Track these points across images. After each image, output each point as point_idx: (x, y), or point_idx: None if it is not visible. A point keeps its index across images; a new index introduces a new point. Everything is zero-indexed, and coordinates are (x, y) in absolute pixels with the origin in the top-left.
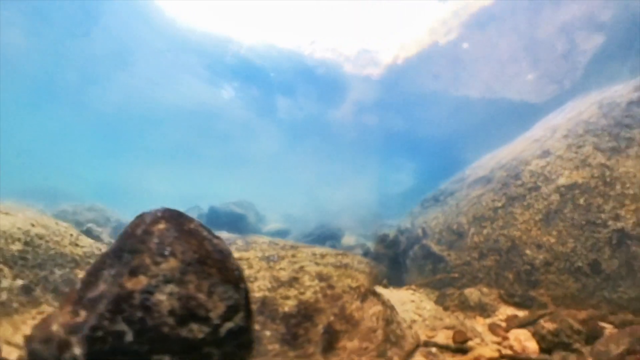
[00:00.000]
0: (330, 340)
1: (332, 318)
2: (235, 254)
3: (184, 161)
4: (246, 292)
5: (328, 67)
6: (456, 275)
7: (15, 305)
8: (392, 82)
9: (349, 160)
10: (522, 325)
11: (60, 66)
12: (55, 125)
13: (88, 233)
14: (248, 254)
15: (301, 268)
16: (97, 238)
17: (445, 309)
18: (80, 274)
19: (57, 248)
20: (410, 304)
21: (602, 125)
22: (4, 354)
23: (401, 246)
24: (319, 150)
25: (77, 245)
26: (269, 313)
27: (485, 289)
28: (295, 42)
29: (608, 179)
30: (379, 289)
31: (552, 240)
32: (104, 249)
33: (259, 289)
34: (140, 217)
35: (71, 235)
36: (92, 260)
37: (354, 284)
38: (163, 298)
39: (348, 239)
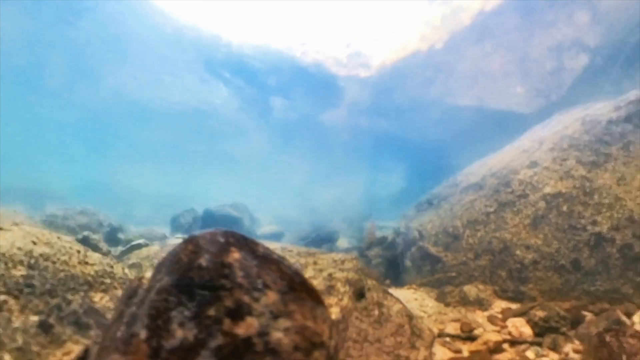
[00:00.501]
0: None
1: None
2: None
3: (172, 160)
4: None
5: (318, 69)
6: (454, 274)
7: (35, 348)
8: (383, 85)
9: (339, 162)
10: (516, 315)
11: (46, 56)
12: (37, 120)
13: (85, 242)
14: None
15: (330, 275)
16: (95, 247)
17: (447, 305)
18: (96, 298)
19: (66, 269)
20: (414, 302)
21: (585, 141)
22: None
23: (398, 248)
24: (308, 152)
25: (86, 263)
26: None
27: (481, 286)
28: (286, 43)
29: (588, 190)
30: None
31: (539, 242)
32: (116, 266)
33: None
34: (194, 244)
35: (78, 252)
36: (106, 281)
37: (376, 286)
38: (281, 335)
39: (341, 242)
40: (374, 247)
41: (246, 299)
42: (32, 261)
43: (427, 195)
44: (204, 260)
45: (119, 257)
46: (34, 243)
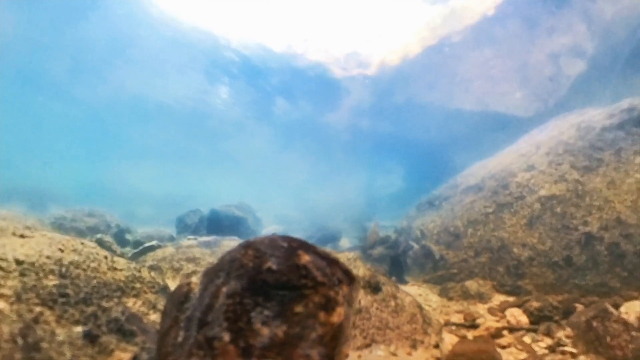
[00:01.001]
0: None
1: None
2: None
3: (173, 160)
4: None
5: (320, 70)
6: (455, 271)
7: None
8: (383, 86)
9: (340, 162)
10: (513, 306)
11: (49, 56)
12: (39, 119)
13: (99, 244)
14: None
15: None
16: (109, 250)
17: (450, 299)
18: (129, 303)
19: (97, 276)
20: (419, 297)
21: (579, 147)
22: None
23: (401, 247)
24: (310, 152)
25: (115, 269)
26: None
27: (481, 281)
28: (288, 44)
29: (580, 193)
30: None
31: (535, 240)
32: (143, 270)
33: None
34: (254, 249)
35: (105, 258)
36: (136, 286)
37: (388, 281)
38: (355, 318)
39: (343, 241)
40: (378, 246)
41: (332, 293)
42: (63, 270)
43: (428, 196)
44: (272, 264)
45: (132, 259)
46: (61, 250)
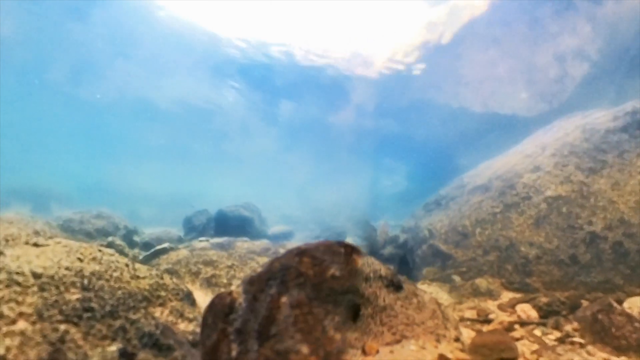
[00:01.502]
0: None
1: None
2: None
3: (177, 160)
4: None
5: (323, 70)
6: (464, 269)
7: None
8: (386, 86)
9: (343, 162)
10: (521, 303)
11: (51, 56)
12: (41, 119)
13: (110, 247)
14: None
15: None
16: (121, 253)
17: (460, 296)
18: (157, 313)
19: (121, 286)
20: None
21: (584, 149)
22: None
23: (409, 246)
24: (313, 152)
25: (138, 277)
26: None
27: (490, 279)
28: (292, 44)
29: (585, 193)
30: None
31: (542, 239)
32: (165, 277)
33: None
34: (310, 256)
35: (127, 265)
36: (161, 294)
37: (406, 279)
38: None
39: (348, 240)
40: (387, 245)
41: (391, 297)
42: (85, 282)
43: (435, 196)
44: (335, 270)
45: (144, 263)
46: (80, 260)
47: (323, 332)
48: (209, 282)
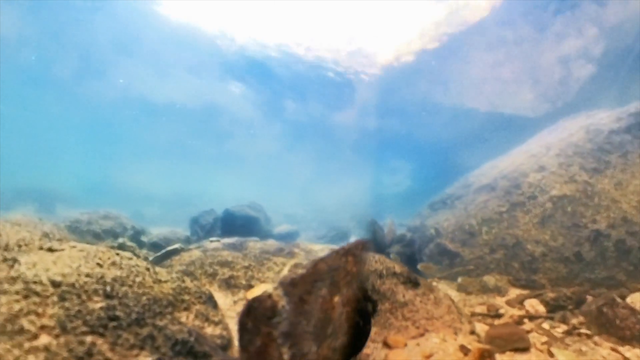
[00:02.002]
0: None
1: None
2: None
3: (180, 160)
4: None
5: (327, 69)
6: (472, 267)
7: None
8: (391, 85)
9: (347, 161)
10: (528, 299)
11: (54, 55)
12: (44, 119)
13: (121, 249)
14: None
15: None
16: (133, 254)
17: (469, 293)
18: (183, 318)
19: (145, 292)
20: None
21: (588, 149)
22: None
23: (416, 245)
24: (317, 151)
25: (160, 281)
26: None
27: (497, 276)
28: (295, 44)
29: (589, 193)
30: None
31: (547, 237)
32: (186, 280)
33: None
34: (352, 255)
35: (148, 269)
36: (185, 297)
37: (420, 277)
38: None
39: (352, 240)
40: (395, 244)
41: (410, 293)
42: (108, 289)
43: (441, 195)
44: (378, 265)
45: (156, 264)
46: (100, 265)
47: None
48: (227, 284)
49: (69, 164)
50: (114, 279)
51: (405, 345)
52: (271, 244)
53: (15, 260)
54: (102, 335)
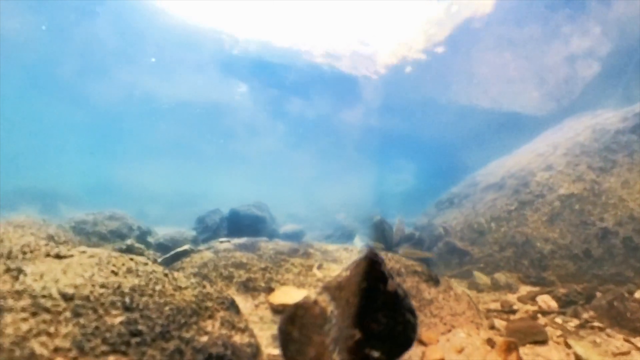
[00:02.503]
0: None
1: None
2: None
3: (183, 159)
4: None
5: (331, 68)
6: (482, 265)
7: None
8: (395, 85)
9: (350, 161)
10: (538, 295)
11: (57, 55)
12: (47, 119)
13: (130, 252)
14: None
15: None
16: (141, 256)
17: (480, 291)
18: (208, 327)
19: (167, 301)
20: None
21: (594, 149)
22: None
23: (425, 244)
24: (319, 150)
25: (180, 287)
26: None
27: (507, 274)
28: (299, 43)
29: (597, 192)
30: None
31: (556, 235)
32: (206, 285)
33: None
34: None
35: (166, 275)
36: (207, 304)
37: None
38: None
39: (357, 240)
40: (403, 243)
41: (433, 291)
42: (127, 300)
43: (447, 194)
44: (392, 263)
45: (165, 265)
46: (115, 273)
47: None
48: (245, 287)
49: (71, 163)
50: (133, 289)
51: (438, 341)
52: (283, 244)
53: (20, 271)
54: (124, 353)
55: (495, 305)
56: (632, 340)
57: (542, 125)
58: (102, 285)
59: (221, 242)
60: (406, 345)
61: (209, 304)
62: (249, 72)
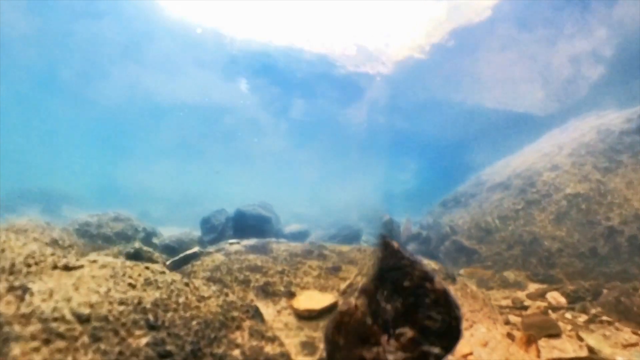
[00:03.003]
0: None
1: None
2: None
3: (187, 159)
4: None
5: (334, 67)
6: (490, 263)
7: None
8: (399, 83)
9: (354, 160)
10: (547, 292)
11: (60, 56)
12: (50, 120)
13: (137, 256)
14: None
15: None
16: (150, 260)
17: (490, 288)
18: (238, 339)
19: (193, 315)
20: None
21: (600, 149)
22: None
23: (432, 242)
24: (323, 149)
25: (203, 297)
26: None
27: (516, 272)
28: (297, 41)
29: (602, 191)
30: None
31: (563, 234)
32: (229, 293)
33: None
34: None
35: (187, 285)
36: (234, 314)
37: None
38: None
39: (364, 240)
40: (410, 242)
41: (451, 288)
42: (151, 317)
43: (453, 193)
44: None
45: (174, 269)
46: (132, 286)
47: (377, 305)
48: (264, 291)
49: (74, 164)
50: (155, 304)
51: (462, 336)
52: (295, 245)
53: (25, 289)
54: None
55: (507, 302)
56: None
57: (546, 124)
58: (121, 302)
59: (231, 243)
60: (458, 337)
61: (235, 313)
62: (253, 71)
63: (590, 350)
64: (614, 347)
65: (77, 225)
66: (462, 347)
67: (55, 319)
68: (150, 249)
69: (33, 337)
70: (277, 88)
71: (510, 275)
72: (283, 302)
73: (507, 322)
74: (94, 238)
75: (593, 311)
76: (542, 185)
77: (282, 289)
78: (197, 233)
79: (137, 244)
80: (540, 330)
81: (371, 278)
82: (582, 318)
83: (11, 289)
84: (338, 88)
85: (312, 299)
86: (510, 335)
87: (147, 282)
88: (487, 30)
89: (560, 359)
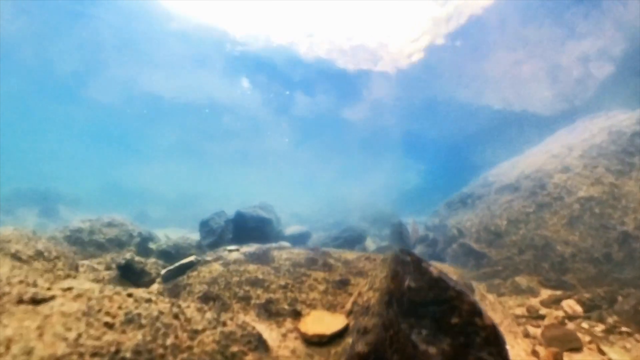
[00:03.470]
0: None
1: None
2: None
3: (186, 159)
4: None
5: (337, 66)
6: (500, 268)
7: None
8: (402, 82)
9: (357, 160)
10: (561, 300)
11: (57, 54)
12: (47, 119)
13: (128, 269)
14: None
15: None
16: (141, 274)
17: (501, 294)
18: None
19: (185, 358)
20: None
21: (612, 151)
22: None
23: (438, 245)
24: (323, 149)
25: (197, 332)
26: None
27: (528, 277)
28: (298, 40)
29: (616, 195)
30: None
31: (576, 238)
32: (227, 322)
33: None
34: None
35: (176, 317)
36: (233, 349)
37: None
38: None
39: (367, 242)
40: (418, 244)
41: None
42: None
43: (459, 195)
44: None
45: (169, 280)
46: (110, 326)
47: (414, 348)
48: (267, 311)
49: (72, 164)
50: (136, 351)
51: None
52: (297, 252)
53: None
54: None
55: (522, 311)
56: None
57: (554, 124)
58: (94, 353)
59: (229, 251)
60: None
61: (235, 348)
62: (252, 69)
63: None
64: None
65: (69, 232)
66: None
67: None
68: (143, 259)
69: None
70: (278, 86)
71: (522, 280)
72: (288, 324)
73: (526, 335)
74: (85, 245)
75: (610, 320)
76: (554, 188)
77: (287, 307)
78: (195, 237)
79: (128, 255)
80: (562, 344)
81: (402, 314)
82: (600, 328)
83: None
84: (338, 87)
85: (322, 322)
86: (535, 353)
87: (128, 320)
88: (494, 27)
89: None
